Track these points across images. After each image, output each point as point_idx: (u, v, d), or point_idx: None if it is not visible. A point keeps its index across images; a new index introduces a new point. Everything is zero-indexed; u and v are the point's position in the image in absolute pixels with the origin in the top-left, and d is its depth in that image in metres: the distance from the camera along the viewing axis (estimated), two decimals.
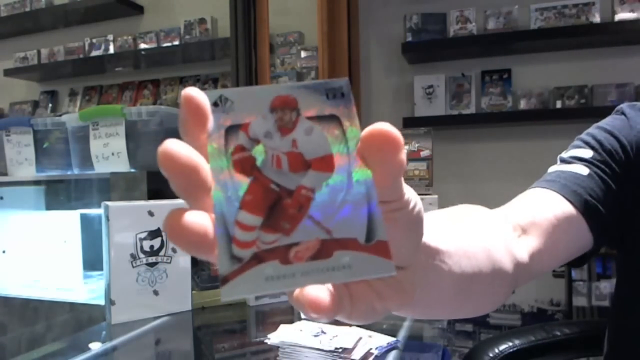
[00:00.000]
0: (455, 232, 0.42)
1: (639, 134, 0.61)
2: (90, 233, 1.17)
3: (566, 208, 0.57)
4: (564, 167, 0.62)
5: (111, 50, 2.73)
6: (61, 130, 1.29)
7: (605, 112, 0.69)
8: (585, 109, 1.96)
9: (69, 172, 1.29)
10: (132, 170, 1.15)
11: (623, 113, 0.65)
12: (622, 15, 1.87)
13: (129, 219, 0.87)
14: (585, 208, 0.57)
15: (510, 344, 0.78)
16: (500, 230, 0.51)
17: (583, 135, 0.66)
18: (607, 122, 0.65)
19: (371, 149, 0.23)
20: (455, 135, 2.16)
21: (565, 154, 0.65)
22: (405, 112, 2.20)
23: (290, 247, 0.23)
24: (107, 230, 0.86)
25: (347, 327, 0.77)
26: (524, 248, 0.52)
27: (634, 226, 0.61)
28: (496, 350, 0.77)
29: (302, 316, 0.89)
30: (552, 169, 0.63)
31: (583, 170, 0.61)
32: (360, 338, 0.73)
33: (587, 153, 0.63)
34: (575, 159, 0.63)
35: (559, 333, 0.82)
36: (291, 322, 0.82)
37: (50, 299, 1.11)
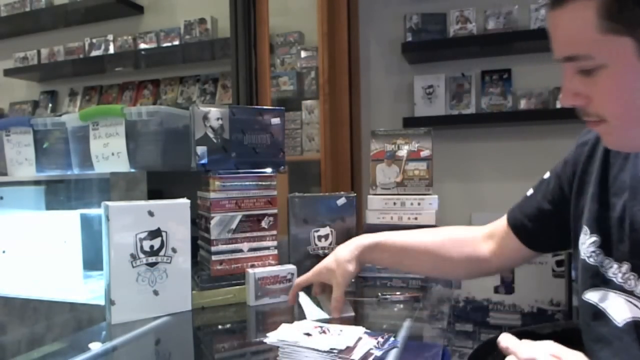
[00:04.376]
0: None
1: (571, 152, 0.79)
2: (90, 233, 1.17)
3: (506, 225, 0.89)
4: (529, 191, 0.87)
5: (111, 50, 2.73)
6: (61, 130, 1.29)
7: None
8: None
9: (69, 172, 1.29)
10: (132, 170, 1.15)
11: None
12: None
13: (129, 219, 0.87)
14: (514, 225, 0.86)
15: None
16: (472, 234, 0.94)
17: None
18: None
19: None
20: (455, 135, 2.16)
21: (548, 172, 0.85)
22: (405, 112, 2.20)
23: None
24: (107, 230, 0.86)
25: (347, 327, 0.77)
26: (485, 248, 0.92)
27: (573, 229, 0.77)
28: None
29: (307, 316, 0.89)
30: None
31: (529, 192, 0.86)
32: (360, 338, 0.73)
33: (547, 174, 0.84)
34: (540, 181, 0.85)
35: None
36: (291, 322, 0.82)
37: (50, 299, 1.11)
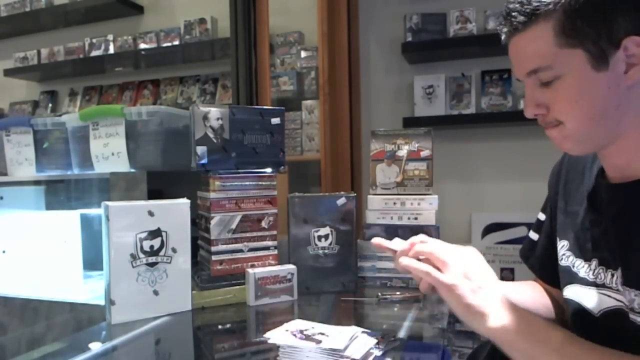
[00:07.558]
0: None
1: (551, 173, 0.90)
2: (90, 233, 1.17)
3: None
4: (531, 233, 0.93)
5: (111, 50, 2.73)
6: (61, 130, 1.29)
7: None
8: None
9: (69, 172, 1.29)
10: (132, 170, 1.15)
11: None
12: None
13: (129, 219, 0.87)
14: (531, 267, 0.93)
15: None
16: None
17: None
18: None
19: None
20: (455, 135, 2.16)
21: (540, 212, 0.92)
22: (405, 112, 2.20)
23: None
24: (107, 230, 0.86)
25: (347, 327, 0.77)
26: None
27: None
28: None
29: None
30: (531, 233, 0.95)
31: (534, 236, 0.92)
32: (357, 337, 0.73)
33: (542, 216, 0.91)
34: (537, 222, 0.92)
35: None
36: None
37: (50, 299, 1.11)
